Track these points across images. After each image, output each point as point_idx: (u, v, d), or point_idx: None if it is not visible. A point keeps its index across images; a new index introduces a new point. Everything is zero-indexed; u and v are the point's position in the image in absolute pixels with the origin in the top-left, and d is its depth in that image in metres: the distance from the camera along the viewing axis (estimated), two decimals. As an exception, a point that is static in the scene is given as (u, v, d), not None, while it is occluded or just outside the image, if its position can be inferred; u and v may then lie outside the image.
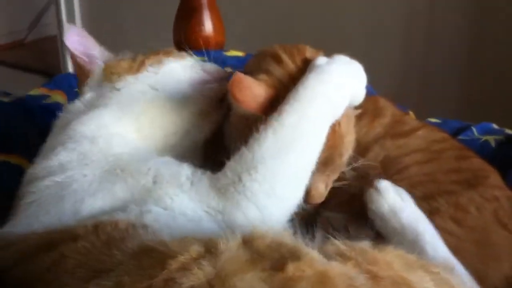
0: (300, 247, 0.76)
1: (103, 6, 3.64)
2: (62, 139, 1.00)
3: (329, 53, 1.04)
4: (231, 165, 0.92)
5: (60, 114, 1.08)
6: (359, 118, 1.20)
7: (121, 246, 0.79)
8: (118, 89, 1.07)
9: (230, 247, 0.74)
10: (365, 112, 1.22)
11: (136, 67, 1.11)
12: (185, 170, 0.94)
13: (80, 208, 0.90)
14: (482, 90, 2.48)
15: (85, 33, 1.16)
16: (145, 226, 0.84)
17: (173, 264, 0.72)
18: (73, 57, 1.14)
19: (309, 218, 1.10)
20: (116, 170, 0.93)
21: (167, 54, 1.15)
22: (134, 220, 0.85)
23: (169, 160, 0.98)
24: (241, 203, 0.89)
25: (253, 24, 2.70)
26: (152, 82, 1.09)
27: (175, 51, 1.18)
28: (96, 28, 3.69)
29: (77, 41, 1.13)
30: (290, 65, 1.03)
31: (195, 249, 0.73)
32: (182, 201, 0.91)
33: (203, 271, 0.70)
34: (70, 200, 0.91)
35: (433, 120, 1.63)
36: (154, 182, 0.92)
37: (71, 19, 3.72)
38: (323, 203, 1.10)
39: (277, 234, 0.78)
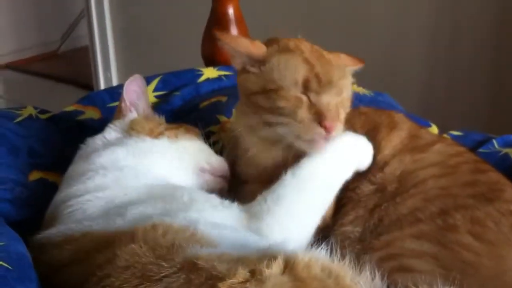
0: (350, 286, 0.85)
1: (134, 18, 3.70)
2: (89, 167, 1.17)
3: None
4: (262, 196, 1.11)
5: (82, 145, 1.25)
6: (375, 133, 1.24)
7: (167, 257, 0.87)
8: (135, 142, 1.23)
9: (274, 273, 0.83)
10: (380, 125, 1.26)
11: (156, 134, 1.26)
12: (215, 198, 1.11)
13: (125, 213, 1.04)
14: (509, 100, 2.48)
15: (144, 88, 1.35)
16: (192, 236, 0.95)
17: (221, 287, 0.80)
18: (121, 98, 1.31)
19: (327, 232, 1.15)
20: (153, 195, 1.09)
21: (187, 130, 1.31)
22: (181, 226, 0.97)
23: (197, 189, 1.14)
24: (268, 223, 1.08)
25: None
26: (162, 149, 1.24)
27: (195, 129, 1.34)
28: (127, 40, 3.76)
29: (133, 90, 1.31)
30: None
31: (241, 272, 0.82)
32: (218, 217, 1.06)
33: None
34: (115, 211, 1.05)
35: (455, 132, 1.63)
36: (190, 200, 1.07)
37: (103, 31, 3.78)
38: (340, 218, 1.15)
39: (324, 264, 0.88)
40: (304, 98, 1.12)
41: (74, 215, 1.08)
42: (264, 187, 1.14)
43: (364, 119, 1.28)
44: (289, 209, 1.09)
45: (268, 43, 1.20)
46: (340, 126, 1.14)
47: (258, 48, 1.17)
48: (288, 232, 1.08)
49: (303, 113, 1.11)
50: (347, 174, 1.17)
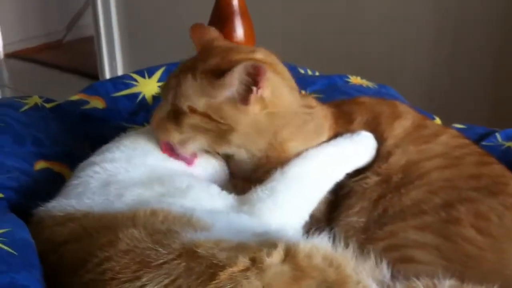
0: (350, 276, 0.85)
1: (139, 8, 3.70)
2: (115, 144, 1.22)
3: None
4: (255, 189, 1.13)
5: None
6: (376, 124, 1.24)
7: (164, 242, 0.88)
8: None
9: (274, 262, 0.83)
10: (381, 115, 1.25)
11: None
12: (215, 187, 1.14)
13: (124, 192, 1.07)
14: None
15: None
16: (188, 221, 0.96)
17: (222, 275, 0.81)
18: None
19: (331, 222, 1.15)
20: (153, 177, 1.11)
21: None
22: (178, 213, 0.98)
23: (197, 178, 1.15)
24: (260, 207, 1.10)
25: (284, 31, 2.75)
26: None
27: None
28: (132, 30, 3.76)
29: None
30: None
31: (242, 260, 0.83)
32: (214, 205, 1.08)
33: (251, 284, 0.80)
34: (115, 185, 1.08)
35: (459, 125, 1.63)
36: (188, 187, 1.09)
37: (108, 21, 3.79)
38: (345, 210, 1.16)
39: (326, 254, 0.88)
40: None
41: (77, 187, 1.10)
42: (248, 183, 1.17)
43: (364, 108, 1.28)
44: (277, 200, 1.11)
45: None
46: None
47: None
48: (278, 218, 1.10)
49: None
50: (338, 176, 1.19)
